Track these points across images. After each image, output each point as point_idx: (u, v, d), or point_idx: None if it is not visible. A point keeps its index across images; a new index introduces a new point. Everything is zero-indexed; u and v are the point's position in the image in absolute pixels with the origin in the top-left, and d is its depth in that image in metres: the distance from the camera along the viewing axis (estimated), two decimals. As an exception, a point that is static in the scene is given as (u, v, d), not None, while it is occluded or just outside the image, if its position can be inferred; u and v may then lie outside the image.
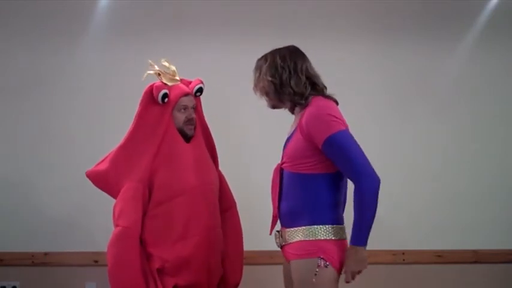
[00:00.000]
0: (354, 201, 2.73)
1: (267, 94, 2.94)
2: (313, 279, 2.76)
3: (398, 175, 4.30)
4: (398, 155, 4.34)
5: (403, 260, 4.31)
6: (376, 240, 4.18)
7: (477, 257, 4.35)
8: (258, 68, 2.96)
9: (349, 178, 2.75)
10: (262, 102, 3.14)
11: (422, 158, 4.37)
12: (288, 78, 2.87)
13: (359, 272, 2.82)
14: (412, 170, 4.36)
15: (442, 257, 4.33)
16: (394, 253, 4.30)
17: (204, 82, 3.49)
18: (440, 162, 4.39)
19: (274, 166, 3.02)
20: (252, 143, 4.24)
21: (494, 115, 4.44)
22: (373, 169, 2.71)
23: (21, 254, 4.12)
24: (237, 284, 3.51)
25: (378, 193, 2.71)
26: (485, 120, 4.43)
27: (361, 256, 2.79)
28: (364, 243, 2.80)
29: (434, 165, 4.38)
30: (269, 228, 3.03)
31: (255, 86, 2.97)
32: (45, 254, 4.13)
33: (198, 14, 4.27)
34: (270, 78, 2.89)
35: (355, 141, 2.76)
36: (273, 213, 2.97)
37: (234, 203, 3.58)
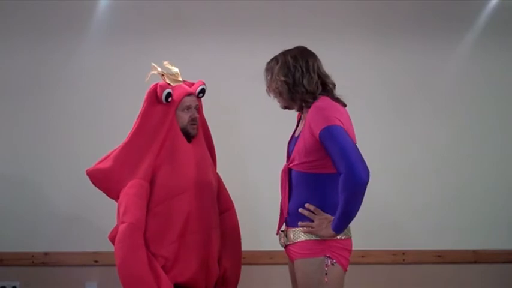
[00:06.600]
0: (343, 192, 2.71)
1: (280, 94, 2.95)
2: (325, 279, 2.78)
3: (398, 175, 4.31)
4: (398, 155, 4.34)
5: (403, 260, 4.31)
6: (376, 240, 4.25)
7: (477, 257, 4.35)
8: (270, 69, 2.97)
9: (340, 170, 2.72)
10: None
11: (422, 157, 4.37)
12: (300, 77, 2.89)
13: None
14: (412, 170, 4.36)
15: (442, 257, 4.33)
16: (394, 253, 4.30)
17: (206, 84, 3.50)
18: (440, 162, 4.39)
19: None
20: (253, 144, 4.23)
21: (494, 115, 4.44)
22: (365, 163, 2.71)
23: (21, 254, 4.12)
24: (236, 285, 3.52)
25: (366, 187, 2.71)
26: (485, 120, 4.43)
27: (329, 235, 2.80)
28: (341, 232, 2.81)
29: (434, 165, 4.38)
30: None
31: (268, 87, 2.99)
32: (45, 254, 4.13)
33: (198, 15, 4.27)
34: (283, 78, 2.90)
35: (351, 138, 2.77)
36: (282, 213, 2.98)
37: (232, 204, 3.60)
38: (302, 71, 2.89)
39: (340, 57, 4.21)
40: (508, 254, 4.37)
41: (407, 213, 4.33)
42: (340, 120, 2.77)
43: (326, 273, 2.80)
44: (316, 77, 2.90)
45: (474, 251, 4.35)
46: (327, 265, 2.80)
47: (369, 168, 2.72)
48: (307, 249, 2.84)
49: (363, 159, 2.70)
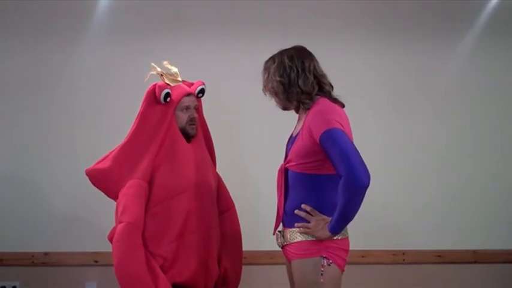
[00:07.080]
0: (343, 195, 2.71)
1: (276, 94, 2.95)
2: (321, 279, 2.78)
3: (398, 175, 4.31)
4: (398, 155, 4.34)
5: (403, 260, 4.31)
6: (376, 240, 4.25)
7: (477, 257, 4.35)
8: (266, 69, 2.98)
9: (340, 173, 2.73)
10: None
11: (422, 157, 4.37)
12: (296, 78, 2.89)
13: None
14: (412, 170, 4.36)
15: (442, 257, 4.33)
16: (394, 253, 4.30)
17: (205, 84, 3.50)
18: (440, 162, 4.39)
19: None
20: (253, 144, 4.23)
21: (494, 115, 4.44)
22: (366, 166, 2.71)
23: (21, 254, 4.12)
24: (237, 285, 3.52)
25: (366, 190, 2.71)
26: (485, 120, 4.43)
27: (326, 237, 2.80)
28: (337, 234, 2.82)
29: (434, 165, 4.38)
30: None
31: (264, 87, 2.99)
32: (45, 254, 4.13)
33: (198, 15, 4.27)
34: (278, 78, 2.90)
35: (351, 142, 2.77)
36: (278, 213, 2.98)
37: (233, 204, 3.60)
38: (298, 71, 2.89)
39: (340, 57, 4.21)
40: (508, 254, 4.37)
41: (407, 213, 4.33)
42: (340, 123, 2.77)
43: (322, 274, 2.80)
44: (312, 78, 2.90)
45: (474, 251, 4.35)
46: (323, 265, 2.80)
47: (369, 168, 2.72)
48: (304, 250, 2.84)
49: (363, 162, 2.70)
